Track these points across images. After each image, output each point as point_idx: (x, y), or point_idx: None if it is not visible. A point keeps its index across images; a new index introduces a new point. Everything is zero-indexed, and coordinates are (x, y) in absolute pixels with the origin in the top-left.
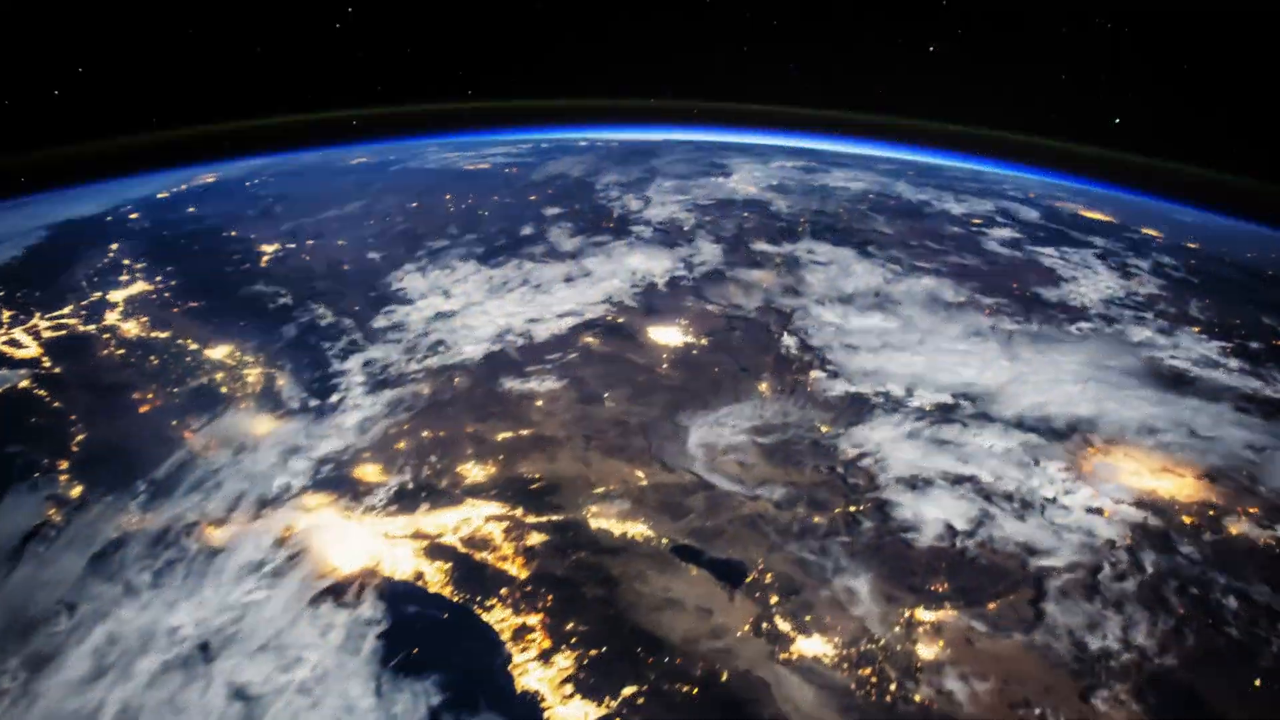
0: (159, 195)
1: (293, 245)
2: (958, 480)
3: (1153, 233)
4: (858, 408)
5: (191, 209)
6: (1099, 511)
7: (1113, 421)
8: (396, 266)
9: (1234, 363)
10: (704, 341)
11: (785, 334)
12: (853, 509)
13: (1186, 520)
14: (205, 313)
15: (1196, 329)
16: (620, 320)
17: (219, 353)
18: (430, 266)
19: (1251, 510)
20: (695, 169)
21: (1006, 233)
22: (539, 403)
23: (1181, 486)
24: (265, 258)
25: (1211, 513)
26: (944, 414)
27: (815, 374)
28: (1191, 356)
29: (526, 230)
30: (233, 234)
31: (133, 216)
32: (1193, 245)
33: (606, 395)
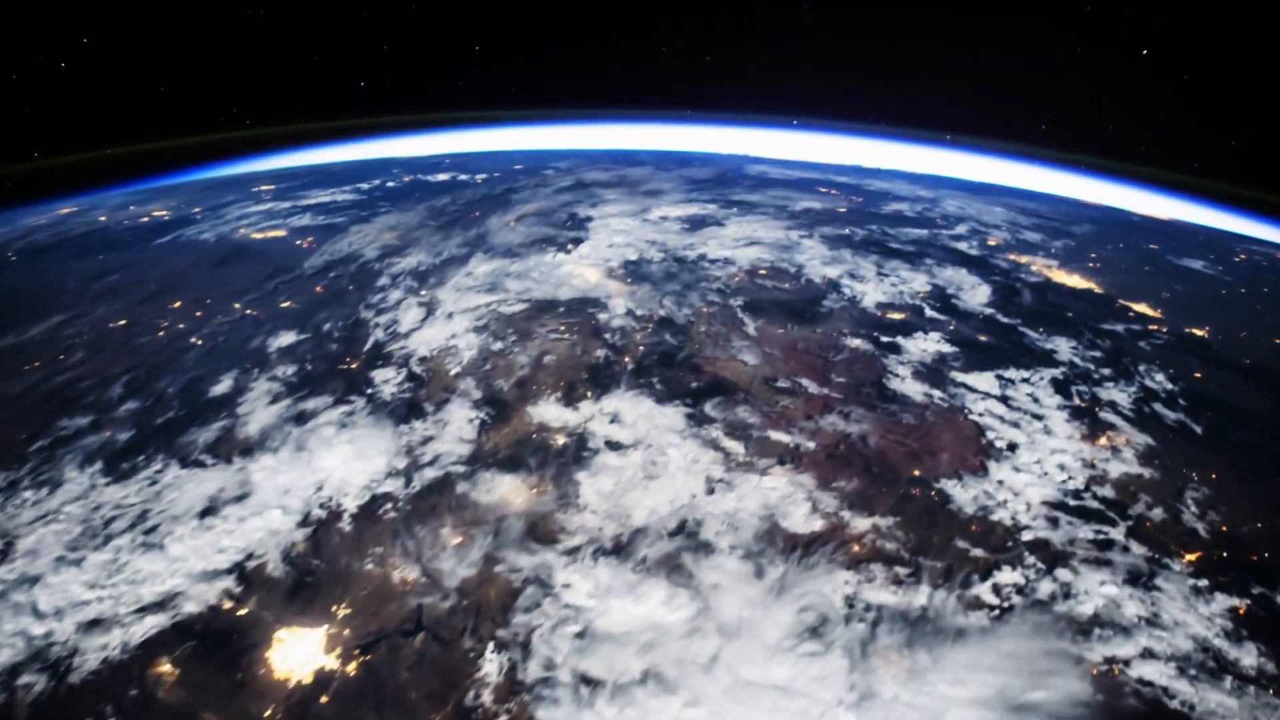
0: None
1: None
2: None
3: (1147, 310)
4: None
5: None
6: None
7: None
8: None
9: (1247, 653)
10: (352, 668)
11: (491, 647)
12: None
13: None
14: None
15: (1191, 558)
16: (241, 613)
17: None
18: (12, 494)
19: None
20: (540, 231)
21: (932, 344)
22: None
23: None
24: None
25: None
26: None
27: None
28: (1178, 648)
29: (220, 387)
30: None
31: None
32: (1200, 333)
33: None
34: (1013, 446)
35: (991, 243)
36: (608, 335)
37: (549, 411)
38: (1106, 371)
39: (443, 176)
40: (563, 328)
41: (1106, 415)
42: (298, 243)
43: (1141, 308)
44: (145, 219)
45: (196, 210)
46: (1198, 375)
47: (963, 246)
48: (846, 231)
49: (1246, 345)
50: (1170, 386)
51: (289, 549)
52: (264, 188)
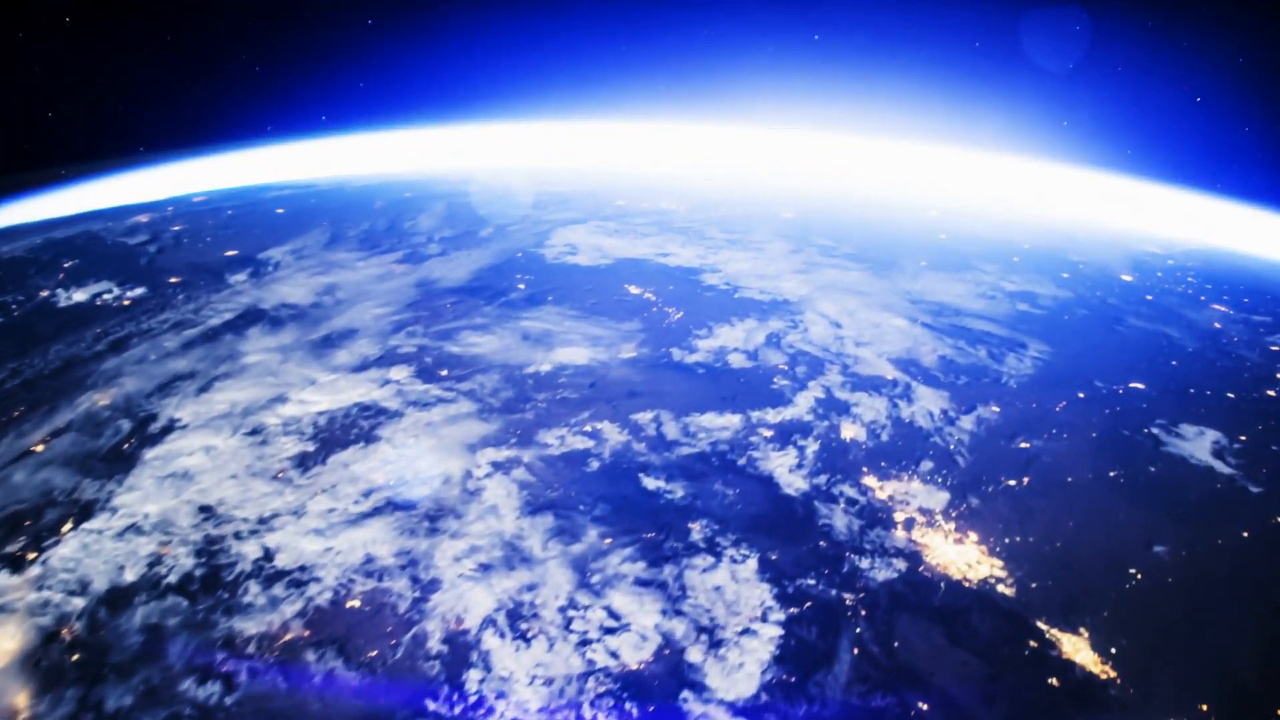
0: None
1: None
2: None
3: (1087, 660)
4: None
5: None
6: None
7: None
8: None
9: None
10: None
11: None
12: None
13: None
14: None
15: None
16: None
17: None
18: None
19: None
20: (43, 482)
21: None
22: None
23: None
24: None
25: None
26: None
27: None
28: None
29: None
30: None
31: None
32: None
33: None
34: None
35: (848, 436)
36: None
37: None
38: None
39: (78, 297)
40: None
41: None
42: None
43: (1076, 650)
44: None
45: None
46: None
47: (787, 465)
48: (587, 441)
49: None
50: None
51: None
52: None
